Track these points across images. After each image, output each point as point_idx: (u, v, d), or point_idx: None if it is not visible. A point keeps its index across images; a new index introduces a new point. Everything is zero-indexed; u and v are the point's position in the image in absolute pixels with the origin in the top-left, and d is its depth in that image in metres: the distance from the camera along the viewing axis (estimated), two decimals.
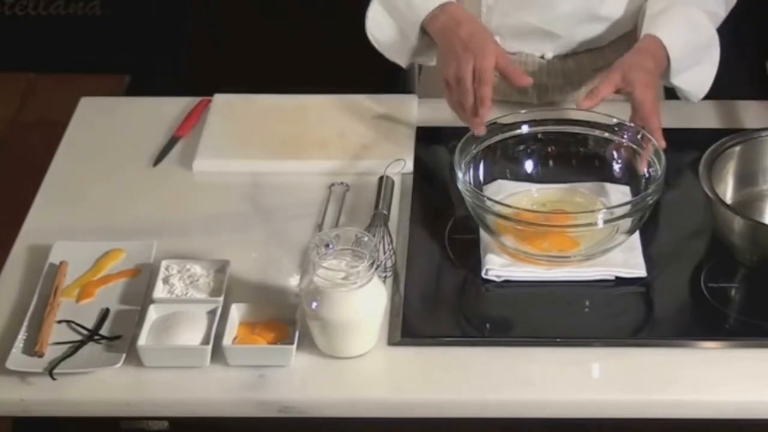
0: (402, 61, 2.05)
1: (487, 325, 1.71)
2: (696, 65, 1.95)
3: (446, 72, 1.88)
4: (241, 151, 1.98)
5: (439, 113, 2.07)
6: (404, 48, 2.01)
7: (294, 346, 1.60)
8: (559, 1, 1.99)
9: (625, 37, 2.05)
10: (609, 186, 1.84)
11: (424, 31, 1.96)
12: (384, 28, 2.02)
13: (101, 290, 1.72)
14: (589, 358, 1.63)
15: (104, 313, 1.68)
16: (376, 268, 1.61)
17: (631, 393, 1.59)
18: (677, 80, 1.93)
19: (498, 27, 2.02)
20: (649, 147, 1.79)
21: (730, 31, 2.02)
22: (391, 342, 1.65)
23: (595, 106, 1.82)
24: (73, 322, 1.66)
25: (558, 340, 1.65)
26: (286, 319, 1.64)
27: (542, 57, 2.06)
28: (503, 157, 1.85)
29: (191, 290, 1.70)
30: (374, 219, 1.81)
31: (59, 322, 1.66)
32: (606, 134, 1.84)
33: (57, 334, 1.64)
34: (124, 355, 1.60)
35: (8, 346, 1.62)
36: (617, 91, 1.85)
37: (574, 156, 1.86)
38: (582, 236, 1.72)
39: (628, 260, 1.74)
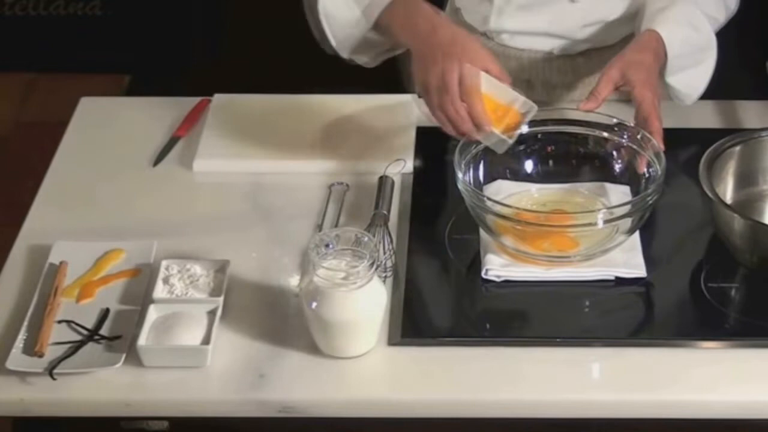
0: (346, 48, 1.95)
1: (487, 325, 1.71)
2: (692, 66, 1.94)
3: (425, 78, 1.78)
4: (241, 151, 1.98)
5: None
6: (356, 32, 1.91)
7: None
8: (568, 7, 1.99)
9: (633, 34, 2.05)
10: (609, 186, 1.84)
11: (382, 24, 1.87)
12: (339, 4, 1.90)
13: (101, 290, 1.72)
14: (589, 358, 1.63)
15: (104, 313, 1.68)
16: (376, 268, 1.61)
17: (631, 393, 1.59)
18: (672, 80, 1.93)
19: (506, 28, 2.02)
20: (648, 147, 1.79)
21: (730, 31, 2.02)
22: (391, 342, 1.65)
23: (598, 108, 1.82)
24: (73, 322, 1.66)
25: (558, 340, 1.65)
26: None
27: (550, 53, 2.06)
28: (503, 157, 1.85)
29: (191, 290, 1.70)
30: (374, 219, 1.81)
31: (59, 322, 1.66)
32: (606, 134, 1.84)
33: (57, 334, 1.64)
34: (124, 355, 1.60)
35: (8, 346, 1.62)
36: (616, 88, 1.85)
37: (574, 156, 1.86)
38: (582, 236, 1.72)
39: (628, 260, 1.74)
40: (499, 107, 1.77)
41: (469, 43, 1.79)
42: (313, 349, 1.63)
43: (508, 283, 1.73)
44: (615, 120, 1.84)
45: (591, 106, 1.81)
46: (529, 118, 1.78)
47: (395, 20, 1.85)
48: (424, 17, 1.82)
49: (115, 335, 1.64)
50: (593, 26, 2.03)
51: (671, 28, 1.90)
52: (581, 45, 2.06)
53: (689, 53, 1.93)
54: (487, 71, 1.77)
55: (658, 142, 1.78)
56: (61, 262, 1.75)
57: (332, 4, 1.91)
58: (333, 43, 1.94)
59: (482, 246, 1.76)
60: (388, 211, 1.83)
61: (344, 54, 1.96)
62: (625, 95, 1.90)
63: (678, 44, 1.90)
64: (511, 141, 1.77)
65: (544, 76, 2.06)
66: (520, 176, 1.86)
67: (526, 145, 1.86)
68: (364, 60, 1.98)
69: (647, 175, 1.78)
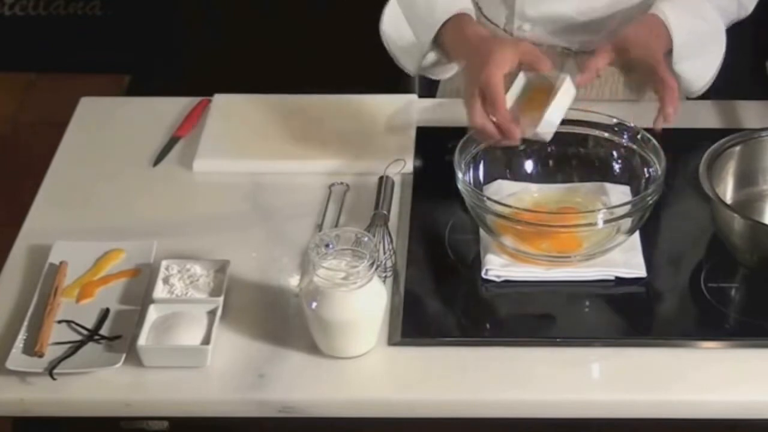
0: (412, 67, 2.03)
1: (487, 325, 1.71)
2: (700, 56, 1.93)
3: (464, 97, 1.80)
4: (241, 151, 1.98)
5: (439, 113, 2.08)
6: (416, 54, 1.99)
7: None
8: None
9: None
10: (609, 186, 1.84)
11: (438, 43, 1.94)
12: (399, 30, 2.00)
13: (101, 290, 1.72)
14: (589, 358, 1.63)
15: (104, 313, 1.68)
16: (376, 268, 1.61)
17: (631, 393, 1.59)
18: (678, 68, 1.92)
19: (530, 16, 2.02)
20: (648, 147, 1.79)
21: (730, 31, 2.02)
22: (391, 342, 1.65)
23: (592, 81, 1.82)
24: (73, 322, 1.66)
25: (558, 340, 1.65)
26: None
27: (568, 49, 2.05)
28: (503, 157, 1.85)
29: (191, 290, 1.70)
30: (374, 219, 1.81)
31: (59, 322, 1.66)
32: (606, 134, 1.84)
33: (57, 334, 1.64)
34: (124, 355, 1.60)
35: (8, 346, 1.62)
36: (611, 63, 1.85)
37: (574, 156, 1.86)
38: (582, 236, 1.72)
39: (628, 260, 1.74)
40: (542, 95, 1.77)
41: (492, 48, 1.78)
42: (313, 349, 1.63)
43: (508, 283, 1.73)
44: (615, 120, 1.84)
45: (586, 77, 1.81)
46: (567, 95, 1.78)
47: (447, 42, 1.92)
48: (468, 37, 1.87)
49: (115, 335, 1.64)
50: (617, 18, 2.01)
51: (678, 16, 1.89)
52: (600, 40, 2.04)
53: (696, 42, 1.91)
54: (522, 64, 1.78)
55: (672, 100, 1.80)
56: (61, 262, 1.75)
57: (393, 31, 2.00)
58: (399, 62, 2.03)
59: (482, 246, 1.76)
60: (388, 211, 1.83)
61: (413, 72, 2.05)
62: (631, 89, 1.89)
63: (685, 32, 1.88)
64: (546, 132, 1.77)
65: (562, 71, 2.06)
66: (520, 176, 1.86)
67: (526, 145, 1.86)
68: (438, 75, 2.06)
69: (647, 175, 1.78)
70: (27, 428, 1.67)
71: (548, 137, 1.77)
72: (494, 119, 1.74)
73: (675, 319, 1.69)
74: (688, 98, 2.02)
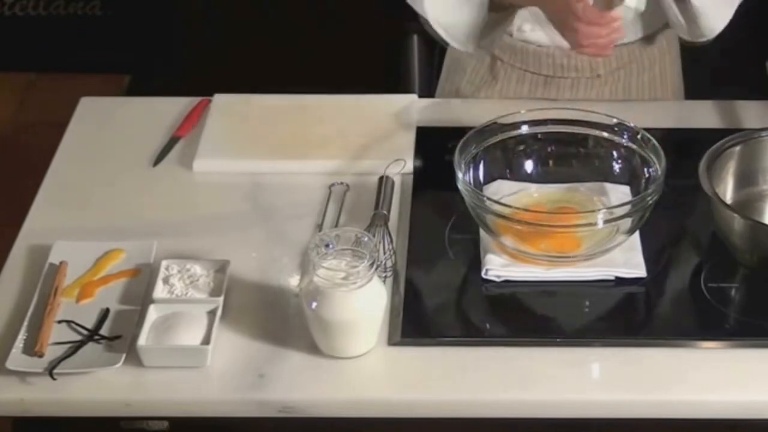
0: (471, 39, 2.00)
1: (487, 325, 1.71)
2: None
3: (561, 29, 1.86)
4: (241, 151, 1.98)
5: (439, 113, 2.08)
6: (472, 22, 1.96)
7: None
8: None
9: (655, 35, 2.03)
10: (609, 186, 1.84)
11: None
12: (442, 5, 1.97)
13: (101, 290, 1.72)
14: (589, 358, 1.63)
15: (104, 313, 1.68)
16: (376, 268, 1.61)
17: (631, 393, 1.59)
18: None
19: (532, 14, 2.01)
20: (648, 147, 1.79)
21: (730, 31, 2.02)
22: (391, 342, 1.65)
23: None
24: (73, 322, 1.66)
25: (558, 340, 1.65)
26: None
27: (571, 50, 2.05)
28: (503, 157, 1.85)
29: (191, 290, 1.70)
30: (374, 219, 1.81)
31: (59, 322, 1.66)
32: (606, 134, 1.84)
33: (57, 334, 1.64)
34: (124, 355, 1.60)
35: (8, 346, 1.62)
36: None
37: (574, 156, 1.87)
38: (582, 236, 1.72)
39: (628, 260, 1.74)
40: None
41: None
42: (313, 349, 1.63)
43: (508, 283, 1.73)
44: (615, 120, 1.84)
45: None
46: None
47: None
48: None
49: (115, 335, 1.64)
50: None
51: None
52: None
53: None
54: None
55: None
56: (61, 262, 1.75)
57: (443, 13, 1.97)
58: (456, 45, 2.01)
59: (482, 246, 1.76)
60: (388, 211, 1.83)
61: (471, 49, 2.03)
62: None
63: None
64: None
65: (562, 73, 2.05)
66: (520, 176, 1.86)
67: (526, 145, 1.86)
68: (489, 48, 2.05)
69: (647, 175, 1.78)
70: (27, 428, 1.68)
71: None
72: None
73: (675, 319, 1.69)
74: (697, 43, 2.03)
